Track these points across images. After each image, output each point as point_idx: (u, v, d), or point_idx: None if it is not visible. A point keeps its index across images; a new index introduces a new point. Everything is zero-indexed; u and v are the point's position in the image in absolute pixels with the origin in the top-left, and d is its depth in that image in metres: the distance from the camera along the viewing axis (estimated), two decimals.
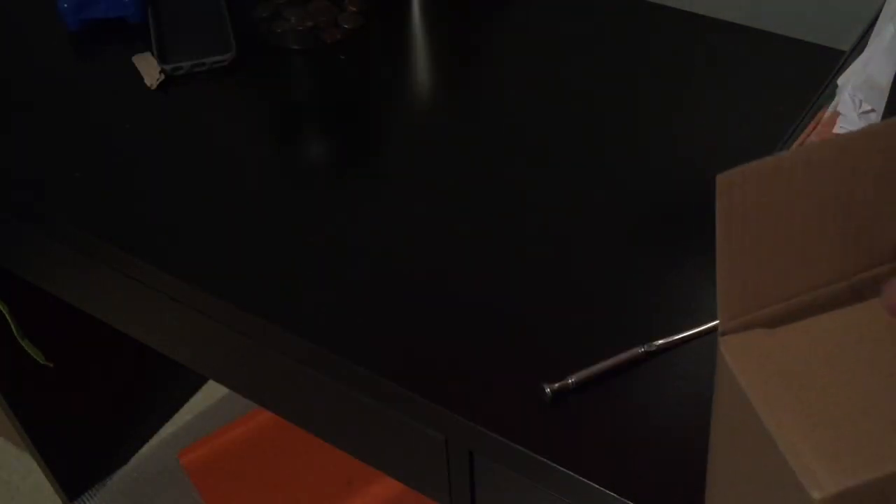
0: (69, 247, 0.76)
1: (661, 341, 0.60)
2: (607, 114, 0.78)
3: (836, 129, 0.66)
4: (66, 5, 0.85)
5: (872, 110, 0.67)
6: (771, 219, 0.43)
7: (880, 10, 0.72)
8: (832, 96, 0.69)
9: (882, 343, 0.44)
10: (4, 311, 1.05)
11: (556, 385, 0.57)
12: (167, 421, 1.52)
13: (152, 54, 0.84)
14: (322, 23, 0.87)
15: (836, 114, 0.68)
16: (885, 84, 0.63)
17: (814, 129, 0.67)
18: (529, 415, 0.57)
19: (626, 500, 0.53)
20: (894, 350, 0.43)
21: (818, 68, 0.71)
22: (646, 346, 0.59)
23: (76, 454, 1.39)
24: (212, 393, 1.56)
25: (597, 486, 0.54)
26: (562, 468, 0.55)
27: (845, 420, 0.41)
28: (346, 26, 0.87)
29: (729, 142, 0.75)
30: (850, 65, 0.69)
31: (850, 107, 0.68)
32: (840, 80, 0.68)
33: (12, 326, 1.06)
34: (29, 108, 0.80)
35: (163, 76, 0.82)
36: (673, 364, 0.60)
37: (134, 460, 1.47)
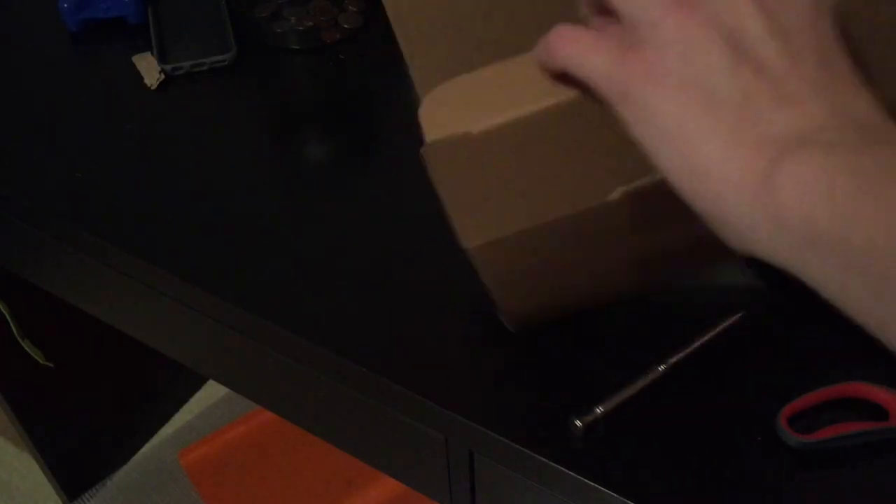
0: (69, 247, 0.76)
1: (676, 357, 0.58)
2: None
3: None
4: (65, 5, 0.85)
5: None
6: None
7: None
8: None
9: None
10: (4, 311, 1.05)
11: (589, 417, 0.55)
12: (167, 421, 1.52)
13: (152, 54, 0.84)
14: (322, 23, 0.87)
15: None
16: None
17: None
18: (529, 414, 0.57)
19: (626, 501, 0.53)
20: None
21: None
22: (663, 365, 0.58)
23: (76, 454, 1.39)
24: (212, 393, 1.56)
25: (598, 487, 0.54)
26: (562, 468, 0.55)
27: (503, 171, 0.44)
28: (346, 26, 0.87)
29: None
30: None
31: None
32: None
33: (12, 326, 1.06)
34: (29, 107, 0.80)
35: (163, 76, 0.82)
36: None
37: (134, 460, 1.47)
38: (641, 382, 0.57)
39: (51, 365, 1.11)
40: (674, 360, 0.58)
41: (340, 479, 1.40)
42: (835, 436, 0.55)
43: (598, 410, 0.56)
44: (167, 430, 1.51)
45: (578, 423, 0.55)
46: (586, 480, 0.54)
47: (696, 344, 0.59)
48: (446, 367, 0.60)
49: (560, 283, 0.53)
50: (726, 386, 0.58)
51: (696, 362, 0.60)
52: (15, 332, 1.06)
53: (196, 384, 1.57)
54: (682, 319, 0.62)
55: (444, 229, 0.68)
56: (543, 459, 0.55)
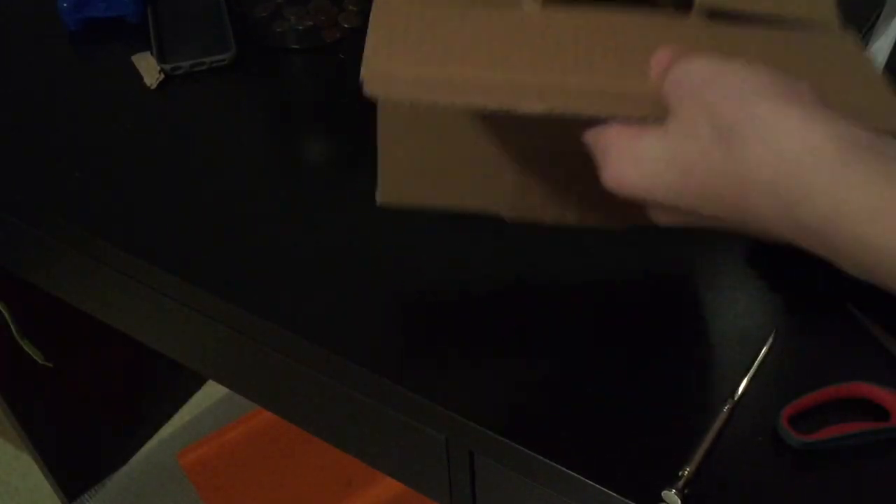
0: (69, 247, 0.76)
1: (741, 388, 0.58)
2: None
3: None
4: (65, 4, 0.85)
5: None
6: None
7: (883, 5, 0.72)
8: None
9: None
10: (4, 311, 1.05)
11: (682, 486, 0.52)
12: (167, 421, 1.52)
13: (152, 54, 0.84)
14: (322, 22, 0.87)
15: None
16: None
17: None
18: (530, 414, 0.57)
19: (626, 500, 0.53)
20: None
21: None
22: (730, 401, 0.57)
23: (75, 454, 1.38)
24: (212, 393, 1.56)
25: (598, 486, 0.54)
26: (562, 468, 0.55)
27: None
28: (346, 25, 0.87)
29: None
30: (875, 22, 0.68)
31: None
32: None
33: (12, 326, 1.06)
34: (28, 107, 0.80)
35: (162, 76, 0.82)
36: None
37: (133, 460, 1.47)
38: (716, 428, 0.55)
39: (50, 365, 1.11)
40: (739, 392, 0.57)
41: (340, 479, 1.40)
42: (836, 436, 0.55)
43: (684, 473, 0.53)
44: (167, 430, 1.51)
45: (673, 491, 0.52)
46: (586, 480, 0.54)
47: (751, 373, 0.58)
48: (447, 366, 0.60)
49: (444, 159, 0.55)
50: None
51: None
52: (14, 332, 1.06)
53: (196, 384, 1.57)
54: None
55: (445, 230, 0.68)
56: (543, 459, 0.55)
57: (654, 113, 0.42)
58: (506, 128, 0.53)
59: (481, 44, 0.45)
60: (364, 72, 0.43)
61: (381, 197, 0.57)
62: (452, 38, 0.45)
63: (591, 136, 0.44)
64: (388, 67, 0.44)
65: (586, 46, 0.45)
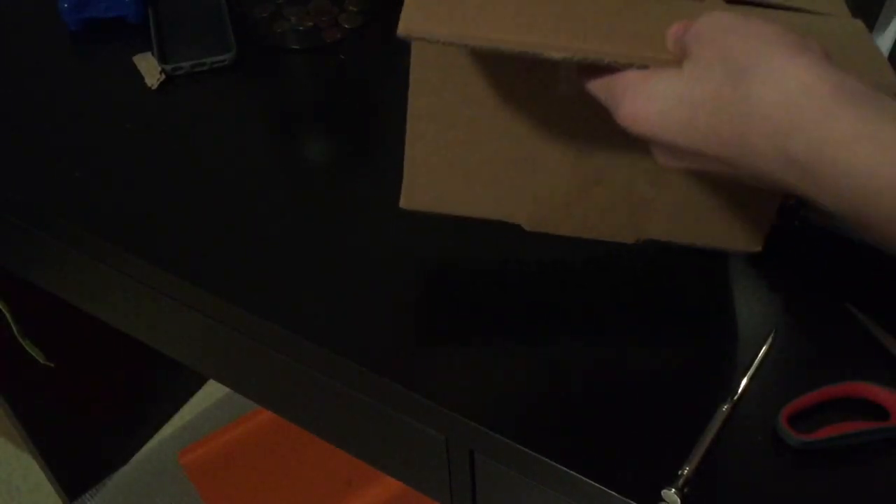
0: (69, 246, 0.76)
1: (740, 388, 0.58)
2: None
3: None
4: (66, 5, 0.85)
5: None
6: None
7: (882, 5, 0.72)
8: None
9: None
10: (5, 311, 1.05)
11: (682, 485, 0.53)
12: (167, 421, 1.52)
13: (153, 54, 0.84)
14: (322, 22, 0.87)
15: None
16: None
17: None
18: (530, 414, 0.57)
19: (626, 500, 0.53)
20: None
21: None
22: (730, 401, 0.57)
23: (76, 454, 1.38)
24: (212, 393, 1.56)
25: (598, 486, 0.54)
26: (562, 468, 0.55)
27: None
28: (346, 26, 0.87)
29: None
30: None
31: None
32: None
33: (12, 326, 1.06)
34: (29, 107, 0.80)
35: (163, 76, 0.82)
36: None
37: (134, 460, 1.47)
38: (715, 428, 0.55)
39: (51, 365, 1.11)
40: (738, 391, 0.58)
41: (340, 479, 1.40)
42: (835, 435, 0.55)
43: (684, 472, 0.53)
44: (167, 430, 1.51)
45: (673, 491, 0.52)
46: (586, 479, 0.54)
47: (750, 372, 0.58)
48: (447, 366, 0.60)
49: (470, 167, 0.57)
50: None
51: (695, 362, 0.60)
52: (15, 331, 1.06)
53: (196, 384, 1.57)
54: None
55: (445, 230, 0.68)
56: (544, 459, 0.55)
57: (673, 62, 0.45)
58: (534, 134, 0.55)
59: (511, 6, 0.48)
60: (401, 27, 0.46)
61: (404, 201, 0.59)
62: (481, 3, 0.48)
63: (606, 82, 0.47)
64: (420, 26, 0.46)
65: (609, 17, 0.48)
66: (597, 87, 0.48)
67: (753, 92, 0.40)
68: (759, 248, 0.61)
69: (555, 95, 0.55)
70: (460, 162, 0.57)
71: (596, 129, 0.55)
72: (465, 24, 0.47)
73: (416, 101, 0.55)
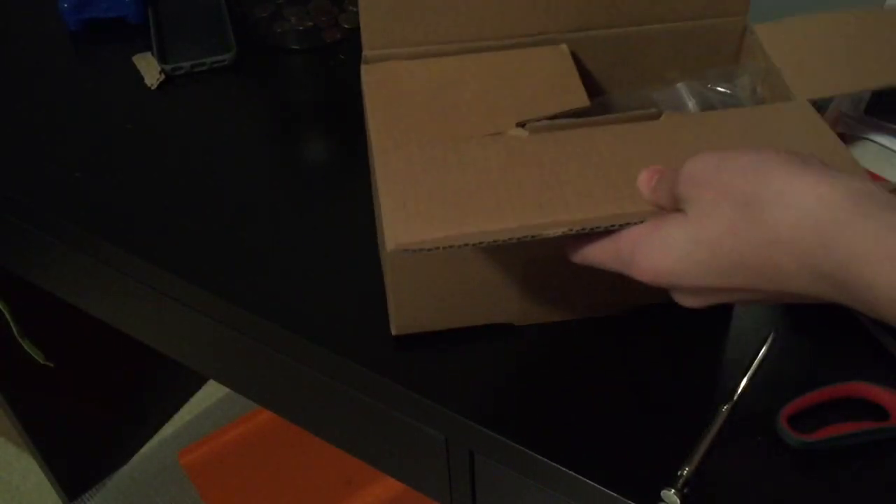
0: (69, 247, 0.76)
1: (740, 388, 0.58)
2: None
3: (839, 129, 0.66)
4: (66, 5, 0.85)
5: None
6: None
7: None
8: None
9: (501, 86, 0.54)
10: (5, 311, 1.05)
11: (682, 485, 0.53)
12: (167, 421, 1.52)
13: (152, 54, 0.84)
14: (322, 22, 0.87)
15: (837, 111, 0.68)
16: None
17: None
18: (529, 414, 0.57)
19: (626, 500, 0.53)
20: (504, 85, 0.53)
21: None
22: (729, 401, 0.57)
23: (76, 454, 1.39)
24: (212, 393, 1.56)
25: (597, 486, 0.54)
26: (562, 468, 0.55)
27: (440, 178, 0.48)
28: (346, 26, 0.87)
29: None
30: None
31: (850, 106, 0.68)
32: None
33: (12, 326, 1.06)
34: (29, 107, 0.80)
35: (163, 76, 0.82)
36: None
37: (134, 460, 1.47)
38: (715, 430, 0.56)
39: (51, 365, 1.11)
40: (738, 392, 0.58)
41: (340, 479, 1.40)
42: (835, 435, 0.55)
43: (683, 472, 0.53)
44: (167, 430, 1.51)
45: (673, 491, 0.53)
46: (586, 480, 0.54)
47: (750, 373, 0.58)
48: (447, 366, 0.60)
49: (452, 290, 0.58)
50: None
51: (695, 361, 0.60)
52: (15, 331, 1.06)
53: (196, 384, 1.57)
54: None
55: None
56: (543, 459, 0.55)
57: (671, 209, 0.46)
58: (508, 250, 0.56)
59: (485, 185, 0.48)
60: (389, 244, 0.45)
61: (396, 330, 0.60)
62: (457, 184, 0.48)
63: (609, 246, 0.47)
64: (410, 235, 0.46)
65: (582, 180, 0.48)
66: (597, 253, 0.48)
67: (770, 217, 0.39)
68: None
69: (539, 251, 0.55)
70: (443, 287, 0.58)
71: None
72: (451, 224, 0.46)
73: (395, 261, 0.56)
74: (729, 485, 0.54)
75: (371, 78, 0.55)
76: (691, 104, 0.60)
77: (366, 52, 0.56)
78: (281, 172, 0.74)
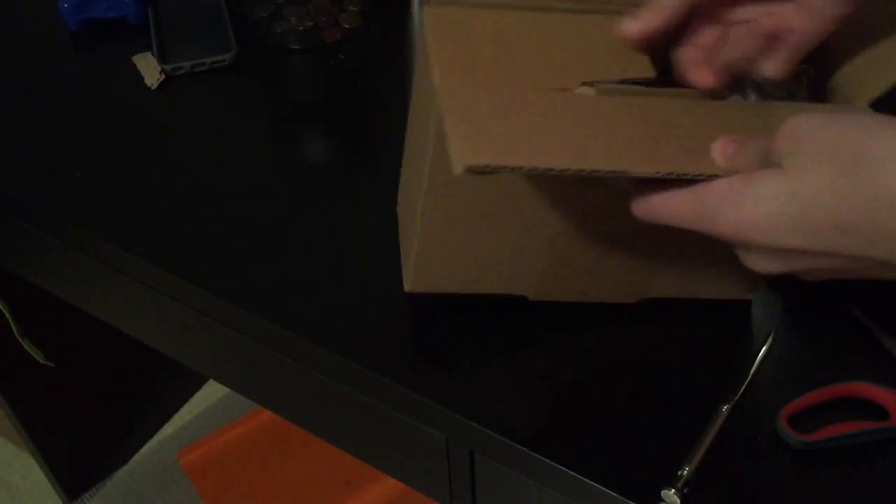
0: (69, 246, 0.76)
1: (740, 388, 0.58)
2: None
3: None
4: (66, 5, 0.85)
5: None
6: None
7: None
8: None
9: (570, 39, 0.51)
10: (5, 311, 1.05)
11: (682, 485, 0.53)
12: (167, 421, 1.52)
13: (152, 54, 0.84)
14: (322, 22, 0.87)
15: None
16: None
17: None
18: (529, 414, 0.57)
19: (626, 500, 0.53)
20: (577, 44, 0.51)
21: None
22: (730, 401, 0.57)
23: (76, 454, 1.38)
24: (212, 393, 1.56)
25: (598, 486, 0.54)
26: (562, 468, 0.55)
27: (509, 108, 0.46)
28: (346, 26, 0.87)
29: None
30: None
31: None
32: None
33: (12, 326, 1.06)
34: (28, 107, 0.80)
35: (163, 76, 0.82)
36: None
37: (134, 460, 1.47)
38: (714, 429, 0.56)
39: (51, 364, 1.11)
40: (739, 392, 0.58)
41: (340, 479, 1.40)
42: (835, 435, 0.55)
43: (683, 472, 0.53)
44: (167, 430, 1.51)
45: (673, 491, 0.53)
46: (586, 479, 0.54)
47: (751, 372, 0.58)
48: (447, 366, 0.60)
49: (480, 251, 0.57)
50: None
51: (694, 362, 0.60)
52: (15, 331, 1.06)
53: (196, 384, 1.57)
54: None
55: None
56: (544, 459, 0.55)
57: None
58: (551, 214, 0.55)
59: (555, 130, 0.46)
60: (456, 166, 0.43)
61: (409, 286, 0.59)
62: (525, 126, 0.46)
63: (693, 198, 0.44)
64: (478, 157, 0.44)
65: (649, 132, 0.47)
66: (676, 204, 0.45)
67: (879, 174, 0.38)
68: (749, 297, 0.63)
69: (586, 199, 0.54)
70: (472, 246, 0.57)
71: (608, 218, 0.55)
72: (521, 155, 0.44)
73: (429, 202, 0.54)
74: (729, 485, 0.54)
75: (433, 21, 0.52)
76: (753, 97, 0.58)
77: None
78: (281, 172, 0.74)
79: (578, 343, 0.61)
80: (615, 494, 0.53)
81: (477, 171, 0.43)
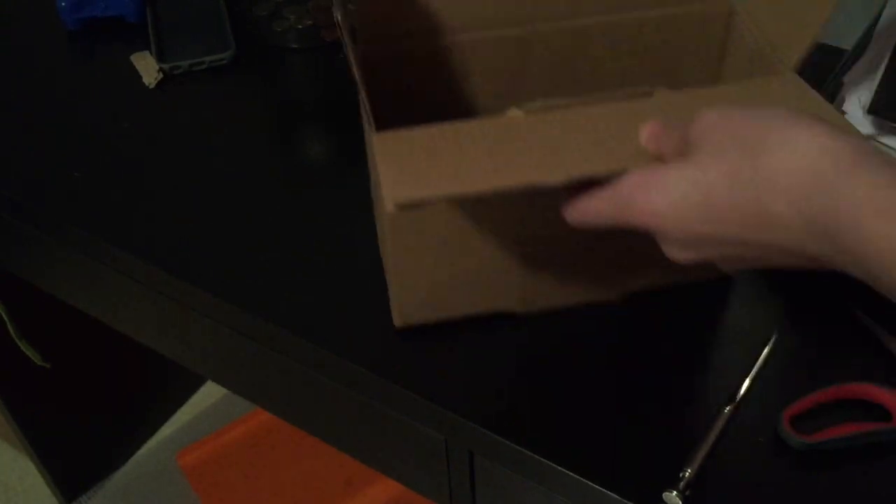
0: (69, 247, 0.76)
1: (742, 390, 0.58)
2: None
3: None
4: (64, 4, 0.85)
5: None
6: None
7: (882, 10, 0.72)
8: (835, 94, 0.68)
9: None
10: (1, 312, 1.04)
11: (683, 487, 0.52)
12: (165, 422, 1.52)
13: (151, 53, 0.83)
14: (322, 21, 0.87)
15: (842, 112, 0.68)
16: None
17: None
18: (530, 415, 0.57)
19: (627, 502, 0.53)
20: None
21: (820, 67, 0.70)
22: (732, 402, 0.57)
23: (74, 455, 1.38)
24: (211, 393, 1.56)
25: (598, 487, 0.53)
26: (563, 469, 0.54)
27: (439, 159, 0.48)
28: None
29: None
30: (853, 64, 0.69)
31: (856, 105, 0.68)
32: (846, 79, 0.68)
33: (9, 327, 1.05)
34: (28, 107, 0.80)
35: (161, 75, 0.82)
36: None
37: (132, 461, 1.47)
38: (717, 429, 0.56)
39: (47, 365, 1.11)
40: (740, 393, 0.58)
41: (340, 479, 1.40)
42: (837, 437, 0.54)
43: (686, 473, 0.53)
44: (166, 431, 1.51)
45: (674, 493, 0.52)
46: (587, 481, 0.54)
47: (752, 374, 0.58)
48: (447, 366, 0.60)
49: (453, 279, 0.59)
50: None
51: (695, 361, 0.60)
52: (12, 332, 1.06)
53: (195, 384, 1.57)
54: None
55: None
56: (543, 460, 0.55)
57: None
58: (508, 231, 0.57)
59: (483, 154, 0.48)
60: (388, 204, 0.45)
61: (398, 321, 0.61)
62: (455, 154, 0.48)
63: (608, 195, 0.46)
64: (408, 192, 0.46)
65: (576, 142, 0.49)
66: (595, 204, 0.47)
67: (773, 160, 0.40)
68: (734, 274, 0.63)
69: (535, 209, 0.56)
70: (445, 279, 0.59)
71: (564, 224, 0.56)
72: (449, 182, 0.46)
73: (396, 239, 0.56)
74: (731, 486, 0.53)
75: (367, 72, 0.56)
76: None
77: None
78: (280, 171, 0.74)
79: (579, 344, 0.61)
80: (616, 496, 0.53)
81: (406, 207, 0.45)
